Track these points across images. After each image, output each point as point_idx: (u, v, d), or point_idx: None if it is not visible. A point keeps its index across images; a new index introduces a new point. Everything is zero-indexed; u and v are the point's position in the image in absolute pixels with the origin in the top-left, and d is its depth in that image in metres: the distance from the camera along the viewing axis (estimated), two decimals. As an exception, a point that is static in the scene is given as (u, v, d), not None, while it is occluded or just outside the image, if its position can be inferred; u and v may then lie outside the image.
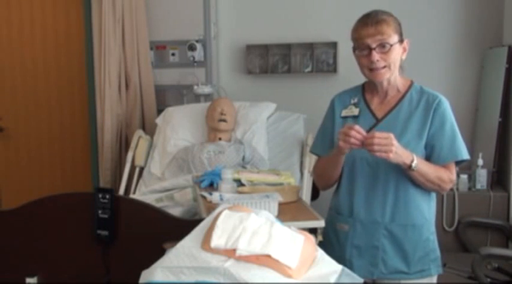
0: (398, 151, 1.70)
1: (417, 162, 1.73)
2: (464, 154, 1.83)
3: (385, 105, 1.90)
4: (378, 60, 1.79)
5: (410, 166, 1.73)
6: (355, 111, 1.91)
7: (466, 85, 3.63)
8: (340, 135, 1.73)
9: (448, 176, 1.81)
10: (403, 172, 1.79)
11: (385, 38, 1.78)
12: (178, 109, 3.49)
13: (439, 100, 1.84)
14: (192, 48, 3.61)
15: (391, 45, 1.79)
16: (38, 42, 4.01)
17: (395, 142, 1.68)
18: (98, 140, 3.72)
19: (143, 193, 2.92)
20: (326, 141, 1.98)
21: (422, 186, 1.83)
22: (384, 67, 1.81)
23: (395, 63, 1.83)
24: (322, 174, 1.98)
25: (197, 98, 3.69)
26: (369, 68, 1.83)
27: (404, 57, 1.88)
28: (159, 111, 3.63)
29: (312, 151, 2.09)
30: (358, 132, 1.69)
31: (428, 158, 1.83)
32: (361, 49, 1.82)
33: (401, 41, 1.84)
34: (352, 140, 1.69)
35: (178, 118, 3.38)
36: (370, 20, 1.80)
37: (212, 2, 3.76)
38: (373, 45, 1.79)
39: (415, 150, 1.79)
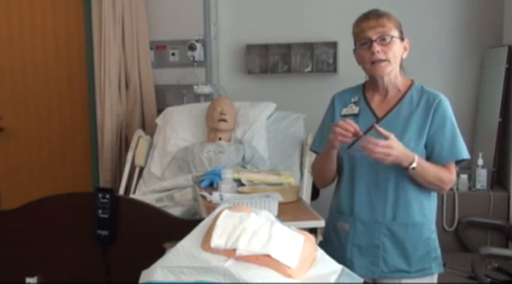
0: (399, 155, 1.72)
1: (416, 165, 1.75)
2: (465, 154, 1.83)
3: (385, 104, 1.90)
4: (378, 51, 1.80)
5: (407, 168, 1.75)
6: (355, 110, 1.91)
7: (466, 85, 3.63)
8: (332, 128, 1.76)
9: (448, 177, 1.82)
10: (403, 171, 1.79)
11: (386, 30, 1.80)
12: (178, 109, 3.49)
13: (440, 100, 1.85)
14: (192, 48, 3.61)
15: (392, 37, 1.81)
16: (38, 42, 4.00)
17: (395, 148, 1.70)
18: (98, 140, 3.72)
19: (143, 193, 2.91)
20: (325, 138, 1.98)
21: (422, 186, 1.83)
22: (385, 60, 1.82)
23: (395, 58, 1.84)
24: (319, 171, 2.01)
25: (197, 98, 3.69)
26: (370, 62, 1.83)
27: (405, 56, 1.89)
28: (159, 111, 3.63)
29: (311, 149, 2.10)
30: (347, 127, 1.72)
31: (428, 158, 1.83)
32: (362, 43, 1.83)
33: (401, 38, 1.85)
34: (340, 136, 1.73)
35: (178, 118, 3.38)
36: (371, 15, 1.83)
37: (212, 2, 3.76)
38: (374, 37, 1.80)
39: (415, 150, 1.79)
